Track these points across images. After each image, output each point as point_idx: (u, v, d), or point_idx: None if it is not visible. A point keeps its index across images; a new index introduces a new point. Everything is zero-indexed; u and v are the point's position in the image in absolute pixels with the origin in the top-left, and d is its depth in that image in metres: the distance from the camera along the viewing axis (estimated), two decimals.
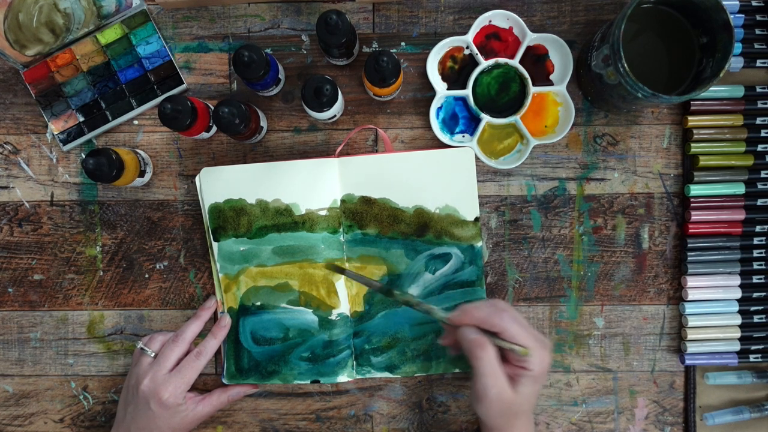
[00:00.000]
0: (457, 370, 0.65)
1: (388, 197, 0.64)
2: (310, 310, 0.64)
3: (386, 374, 0.65)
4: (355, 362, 0.65)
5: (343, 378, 0.64)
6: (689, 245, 0.65)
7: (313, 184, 0.64)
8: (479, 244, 0.65)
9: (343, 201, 0.64)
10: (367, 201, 0.64)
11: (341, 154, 0.65)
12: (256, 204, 0.64)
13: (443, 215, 0.64)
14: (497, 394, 0.53)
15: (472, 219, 0.64)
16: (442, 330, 0.64)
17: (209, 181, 0.64)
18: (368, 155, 0.64)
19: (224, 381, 0.65)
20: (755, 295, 0.66)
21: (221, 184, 0.64)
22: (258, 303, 0.65)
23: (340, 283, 0.64)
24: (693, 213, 0.65)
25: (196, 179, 0.64)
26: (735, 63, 0.64)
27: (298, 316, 0.64)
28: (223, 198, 0.64)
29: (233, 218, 0.64)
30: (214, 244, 0.64)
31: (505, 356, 0.55)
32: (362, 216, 0.64)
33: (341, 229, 0.64)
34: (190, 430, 0.63)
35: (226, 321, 0.64)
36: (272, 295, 0.65)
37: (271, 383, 0.66)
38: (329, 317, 0.64)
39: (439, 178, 0.64)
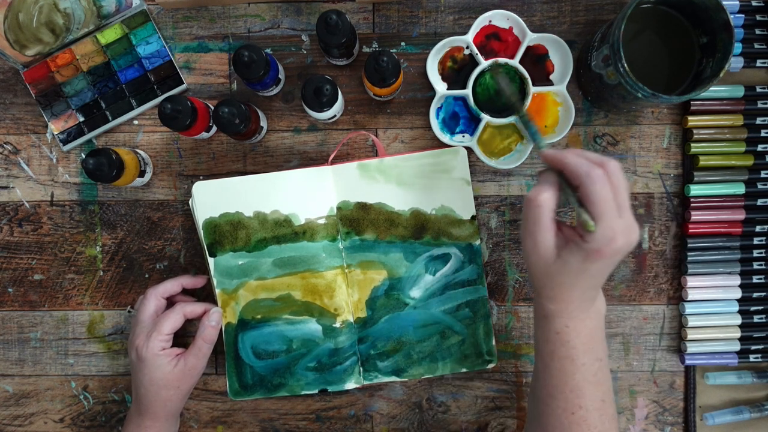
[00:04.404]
0: (464, 370, 0.65)
1: (384, 201, 0.64)
2: (314, 320, 0.64)
3: (394, 378, 0.65)
4: (361, 368, 0.65)
5: (350, 385, 0.64)
6: (689, 245, 0.65)
7: (310, 194, 0.64)
8: (477, 242, 0.65)
9: (339, 208, 0.64)
10: (362, 207, 0.64)
11: (336, 158, 0.65)
12: (253, 216, 0.64)
13: (440, 216, 0.64)
14: (532, 248, 0.48)
15: (469, 218, 0.64)
16: (445, 331, 0.64)
17: (203, 195, 0.63)
18: (361, 161, 0.64)
19: (230, 397, 0.65)
20: (755, 295, 0.66)
21: (215, 198, 0.63)
22: (259, 316, 0.64)
23: (342, 290, 0.64)
24: (693, 213, 0.65)
25: (190, 201, 0.64)
26: (735, 63, 0.64)
27: (302, 326, 0.64)
28: (218, 212, 0.63)
29: (230, 232, 0.63)
30: (210, 260, 0.64)
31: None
32: (359, 222, 0.64)
33: (339, 237, 0.64)
34: (186, 389, 0.61)
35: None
36: (274, 308, 0.64)
37: (279, 396, 0.65)
38: (333, 325, 0.64)
39: (433, 179, 0.64)
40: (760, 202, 0.65)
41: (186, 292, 0.66)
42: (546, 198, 0.47)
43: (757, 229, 0.65)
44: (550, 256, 0.48)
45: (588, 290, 0.50)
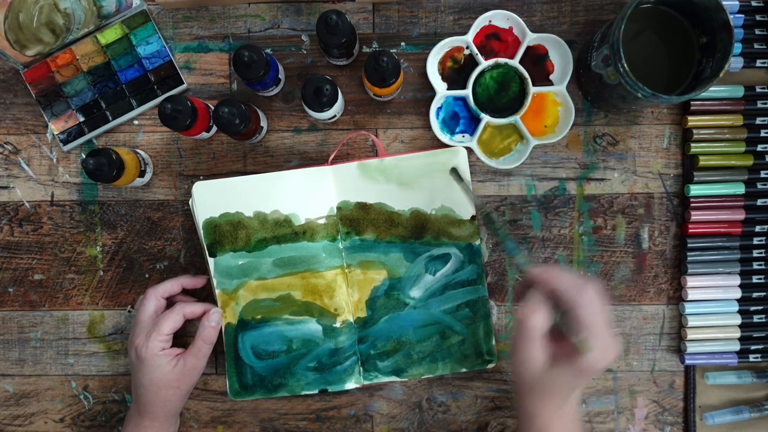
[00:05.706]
0: (464, 370, 0.65)
1: (384, 201, 0.64)
2: (314, 320, 0.64)
3: (394, 378, 0.65)
4: (361, 368, 0.65)
5: (351, 385, 0.64)
6: (689, 245, 0.65)
7: (310, 194, 0.64)
8: (477, 242, 0.65)
9: (339, 208, 0.64)
10: (362, 207, 0.64)
11: (336, 158, 0.65)
12: (254, 216, 0.64)
13: (440, 216, 0.64)
14: (522, 363, 0.51)
15: (469, 218, 0.64)
16: (446, 331, 0.64)
17: (203, 195, 0.63)
18: (361, 161, 0.64)
19: (230, 397, 0.65)
20: (755, 295, 0.66)
21: (215, 198, 0.63)
22: (259, 316, 0.64)
23: (342, 290, 0.64)
24: (693, 213, 0.65)
25: (190, 202, 0.64)
26: (735, 63, 0.64)
27: (302, 326, 0.64)
28: (218, 212, 0.63)
29: (230, 232, 0.63)
30: (210, 260, 0.64)
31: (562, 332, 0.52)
32: (359, 222, 0.64)
33: (339, 237, 0.64)
34: (185, 389, 0.61)
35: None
36: (274, 308, 0.64)
37: (279, 396, 0.65)
38: (333, 325, 0.64)
39: (433, 179, 0.64)
40: (759, 202, 0.65)
41: (186, 292, 0.66)
42: (538, 319, 0.50)
43: (757, 229, 0.65)
44: (540, 370, 0.51)
45: (570, 394, 0.53)
